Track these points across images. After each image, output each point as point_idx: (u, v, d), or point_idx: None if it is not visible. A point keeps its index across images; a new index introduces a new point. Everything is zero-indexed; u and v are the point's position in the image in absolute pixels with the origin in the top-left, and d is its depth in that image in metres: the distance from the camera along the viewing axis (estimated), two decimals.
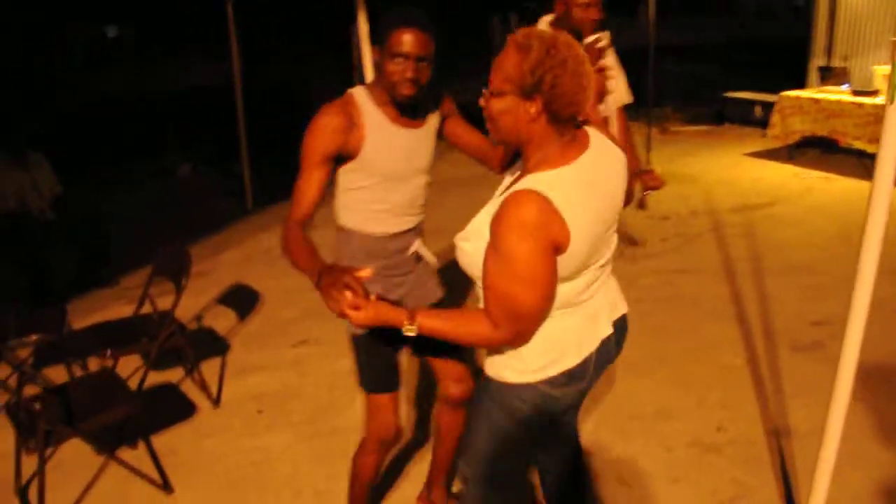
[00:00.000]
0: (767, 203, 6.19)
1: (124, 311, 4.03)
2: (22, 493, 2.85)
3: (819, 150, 7.72)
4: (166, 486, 2.86)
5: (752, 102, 9.37)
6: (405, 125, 2.04)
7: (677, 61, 11.43)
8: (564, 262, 1.52)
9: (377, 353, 2.16)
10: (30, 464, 2.87)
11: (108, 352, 3.22)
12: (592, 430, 3.07)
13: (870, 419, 3.00)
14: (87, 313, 4.45)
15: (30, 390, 2.97)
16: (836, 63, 8.63)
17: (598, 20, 2.79)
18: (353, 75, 10.68)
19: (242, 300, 4.80)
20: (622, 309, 1.84)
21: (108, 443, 3.11)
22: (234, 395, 3.59)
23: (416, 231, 2.19)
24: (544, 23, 3.00)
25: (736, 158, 7.96)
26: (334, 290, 1.58)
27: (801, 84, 8.58)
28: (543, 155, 1.55)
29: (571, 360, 1.67)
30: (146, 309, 3.59)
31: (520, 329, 1.57)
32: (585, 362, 1.69)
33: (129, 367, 3.73)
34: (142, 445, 3.07)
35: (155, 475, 2.89)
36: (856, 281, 1.97)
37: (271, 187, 7.55)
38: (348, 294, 1.56)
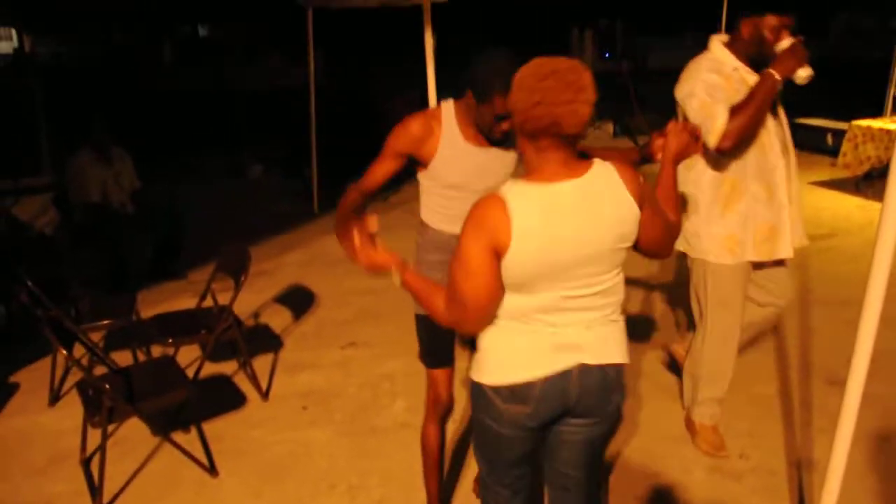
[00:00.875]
0: (827, 234, 6.10)
1: (190, 303, 4.31)
2: (86, 464, 3.14)
3: (876, 179, 7.53)
4: (212, 470, 3.10)
5: (824, 130, 9.17)
6: (480, 143, 2.24)
7: None
8: (506, 269, 1.64)
9: (434, 330, 2.37)
10: (93, 439, 3.17)
11: (170, 340, 3.49)
12: (617, 447, 3.17)
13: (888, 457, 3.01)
14: (156, 303, 4.78)
15: (99, 371, 3.28)
16: None
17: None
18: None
19: (299, 300, 5.06)
20: (610, 358, 1.80)
21: (163, 425, 3.40)
22: (282, 390, 3.82)
23: None
24: (717, 43, 2.90)
25: (801, 187, 7.82)
26: (345, 236, 1.90)
27: (879, 111, 8.38)
28: (528, 168, 1.71)
29: (515, 377, 1.74)
30: (207, 303, 3.87)
31: (460, 315, 1.70)
32: (530, 386, 1.74)
33: (188, 356, 4.01)
34: (193, 430, 3.35)
35: (203, 459, 3.14)
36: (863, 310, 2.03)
37: (338, 192, 7.86)
38: (355, 237, 1.83)
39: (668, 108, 11.39)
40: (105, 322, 3.81)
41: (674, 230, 1.91)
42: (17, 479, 3.12)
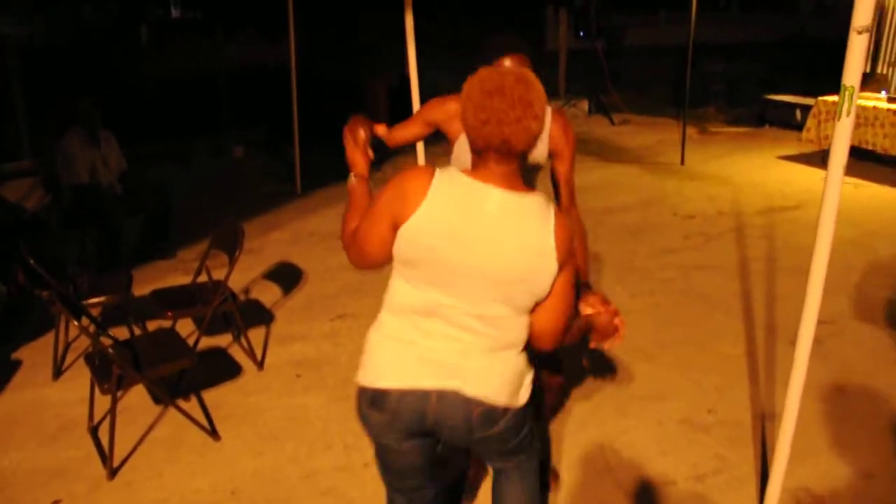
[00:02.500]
0: (792, 206, 6.38)
1: (180, 281, 4.46)
2: (94, 431, 3.30)
3: (855, 157, 7.81)
4: (214, 433, 3.28)
5: (793, 106, 9.45)
6: None
7: (725, 61, 11.48)
8: (400, 237, 1.64)
9: None
10: (98, 409, 3.34)
11: (169, 313, 3.65)
12: (594, 407, 3.39)
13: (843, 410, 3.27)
14: (147, 282, 4.89)
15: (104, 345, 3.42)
16: (882, 69, 8.67)
17: None
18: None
19: (287, 276, 5.22)
20: (486, 393, 1.67)
21: (165, 393, 3.57)
22: (276, 360, 4.00)
23: None
24: None
25: (769, 161, 8.11)
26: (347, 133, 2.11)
27: None
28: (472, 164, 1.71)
29: (376, 381, 1.72)
30: (202, 279, 4.02)
31: (348, 244, 1.82)
32: (386, 394, 1.69)
33: (183, 330, 4.16)
34: (193, 399, 3.52)
35: (205, 424, 3.32)
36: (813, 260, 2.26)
37: (320, 172, 7.98)
38: (348, 137, 2.08)
39: (642, 86, 11.68)
40: (104, 298, 3.94)
41: (572, 327, 1.82)
42: (31, 447, 3.26)
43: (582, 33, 11.01)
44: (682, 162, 8.02)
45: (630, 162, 8.34)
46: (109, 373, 2.93)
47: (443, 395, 1.67)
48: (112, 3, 25.11)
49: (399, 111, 4.00)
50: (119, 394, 3.20)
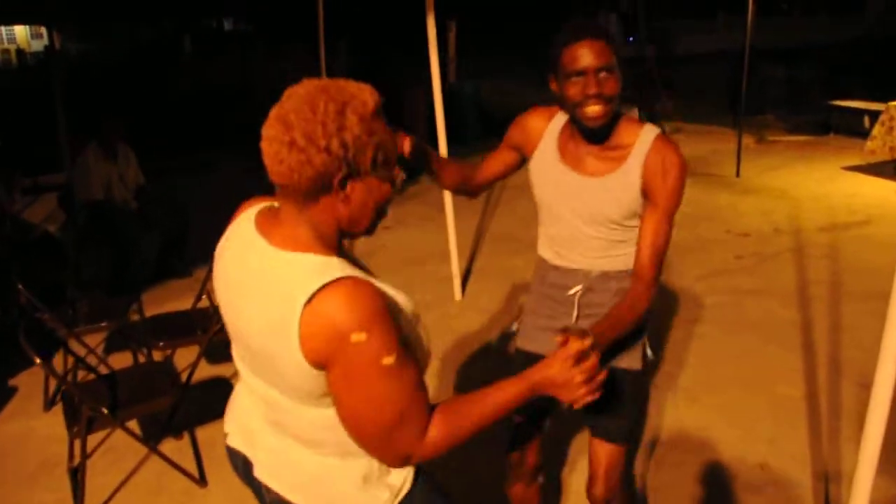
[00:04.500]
0: (860, 222, 5.80)
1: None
2: (73, 472, 3.03)
3: None
4: (201, 480, 2.98)
5: (861, 112, 8.79)
6: (575, 167, 1.85)
7: (786, 66, 10.84)
8: None
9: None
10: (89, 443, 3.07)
11: (161, 343, 3.37)
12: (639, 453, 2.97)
13: None
14: (162, 301, 4.69)
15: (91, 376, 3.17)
16: None
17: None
18: (447, 69, 10.79)
19: None
20: (270, 482, 1.35)
21: (154, 432, 3.29)
22: None
23: (586, 278, 1.94)
24: None
25: (833, 172, 7.50)
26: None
27: None
28: None
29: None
30: (204, 303, 3.75)
31: None
32: (226, 437, 1.51)
33: (189, 357, 3.90)
34: (187, 436, 3.23)
35: (193, 466, 3.02)
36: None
37: None
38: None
39: (697, 94, 11.17)
40: (100, 325, 3.70)
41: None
42: (8, 486, 3.04)
43: (631, 38, 10.53)
44: (738, 174, 7.48)
45: None
46: (80, 414, 2.66)
47: (248, 464, 1.42)
48: (166, 20, 25.72)
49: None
50: (105, 432, 2.94)
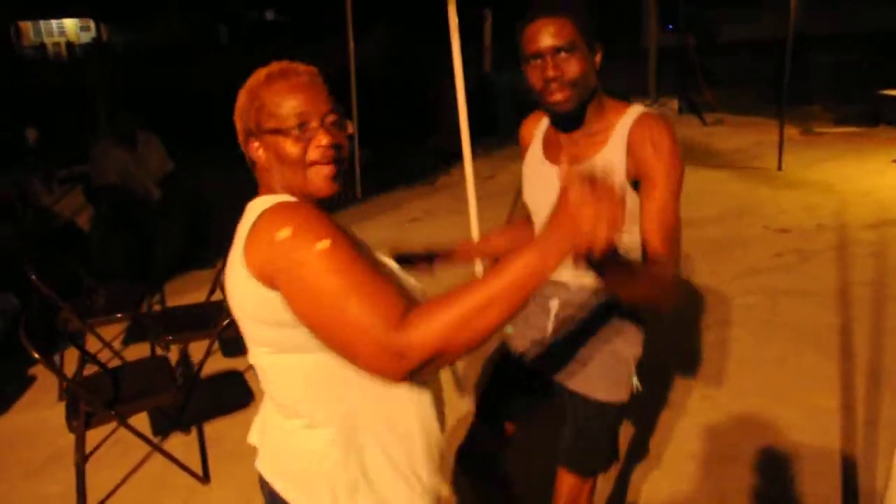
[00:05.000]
0: None
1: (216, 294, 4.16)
2: (78, 465, 3.00)
3: None
4: (205, 477, 2.92)
5: None
6: (555, 160, 1.70)
7: (833, 54, 10.40)
8: None
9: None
10: (92, 439, 3.04)
11: (168, 338, 3.32)
12: (644, 467, 2.81)
13: None
14: (184, 293, 4.66)
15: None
16: None
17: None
18: (483, 59, 10.60)
19: None
20: (264, 470, 1.33)
21: (163, 426, 3.25)
22: None
23: (566, 291, 1.76)
24: None
25: (884, 165, 7.14)
26: None
27: None
28: None
29: None
30: (218, 296, 3.70)
31: None
32: None
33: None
34: (194, 431, 3.18)
35: (197, 463, 2.97)
36: None
37: (384, 177, 7.64)
38: None
39: (740, 83, 10.78)
40: (115, 316, 3.68)
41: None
42: (15, 478, 3.04)
43: (671, 27, 10.22)
44: (780, 167, 7.18)
45: (720, 167, 7.55)
46: (79, 409, 2.61)
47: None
48: (209, 10, 25.97)
49: (472, 115, 3.57)
50: (113, 426, 2.90)
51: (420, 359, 1.02)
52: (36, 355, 2.51)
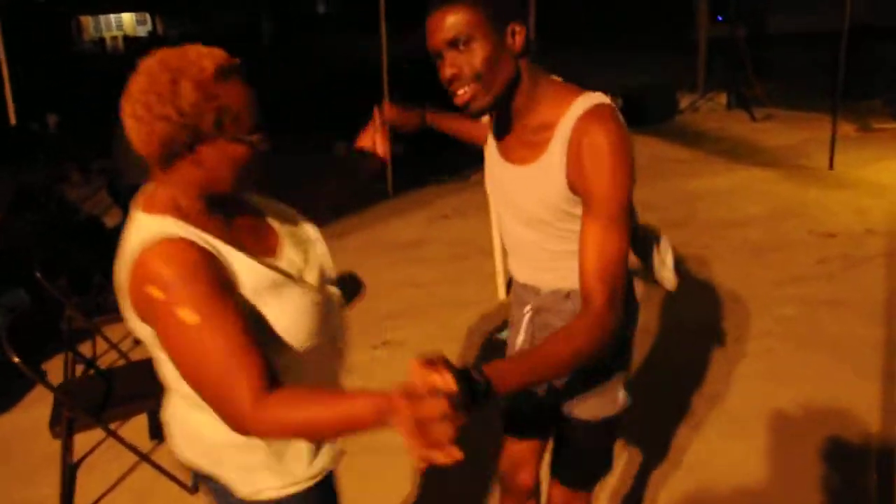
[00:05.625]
0: None
1: None
2: (71, 469, 2.94)
3: None
4: (194, 487, 2.82)
5: None
6: (506, 155, 1.52)
7: None
8: None
9: None
10: (84, 443, 3.00)
11: None
12: (650, 497, 2.60)
13: None
14: None
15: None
16: None
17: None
18: None
19: (346, 288, 4.72)
20: (181, 450, 1.40)
21: (160, 430, 3.16)
22: None
23: (536, 295, 1.63)
24: None
25: None
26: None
27: None
28: None
29: None
30: None
31: None
32: None
33: None
34: None
35: (183, 473, 2.87)
36: None
37: (417, 173, 7.50)
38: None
39: (794, 77, 10.26)
40: (121, 315, 3.61)
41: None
42: (6, 481, 3.00)
43: (720, 17, 9.83)
44: (831, 166, 6.79)
45: (766, 165, 7.19)
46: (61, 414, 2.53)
47: None
48: (261, 3, 26.24)
49: None
50: (115, 425, 2.84)
51: (264, 436, 1.14)
52: (16, 360, 2.43)
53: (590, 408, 1.60)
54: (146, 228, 1.16)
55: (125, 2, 36.22)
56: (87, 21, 38.07)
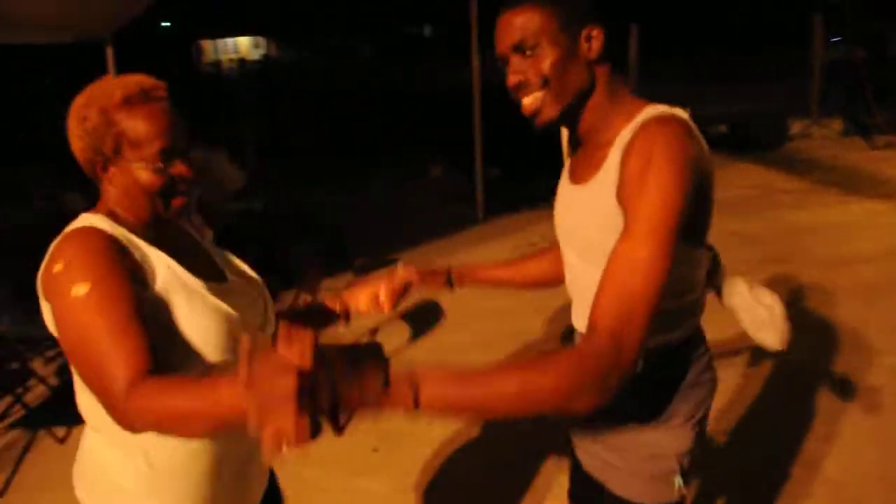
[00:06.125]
0: None
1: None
2: None
3: None
4: None
5: None
6: (572, 177, 1.37)
7: None
8: None
9: None
10: None
11: None
12: None
13: None
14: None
15: None
16: None
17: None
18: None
19: (421, 319, 4.64)
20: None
21: None
22: (359, 424, 3.42)
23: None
24: None
25: None
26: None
27: None
28: None
29: None
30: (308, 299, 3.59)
31: None
32: None
33: None
34: None
35: None
36: None
37: (509, 197, 7.39)
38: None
39: None
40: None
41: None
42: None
43: (837, 40, 9.27)
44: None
45: (884, 197, 6.65)
46: None
47: None
48: (369, 28, 27.04)
49: None
50: None
51: (138, 427, 1.05)
52: None
53: (637, 490, 1.37)
54: (75, 223, 1.22)
55: (242, 27, 38.18)
56: (208, 45, 40.33)
